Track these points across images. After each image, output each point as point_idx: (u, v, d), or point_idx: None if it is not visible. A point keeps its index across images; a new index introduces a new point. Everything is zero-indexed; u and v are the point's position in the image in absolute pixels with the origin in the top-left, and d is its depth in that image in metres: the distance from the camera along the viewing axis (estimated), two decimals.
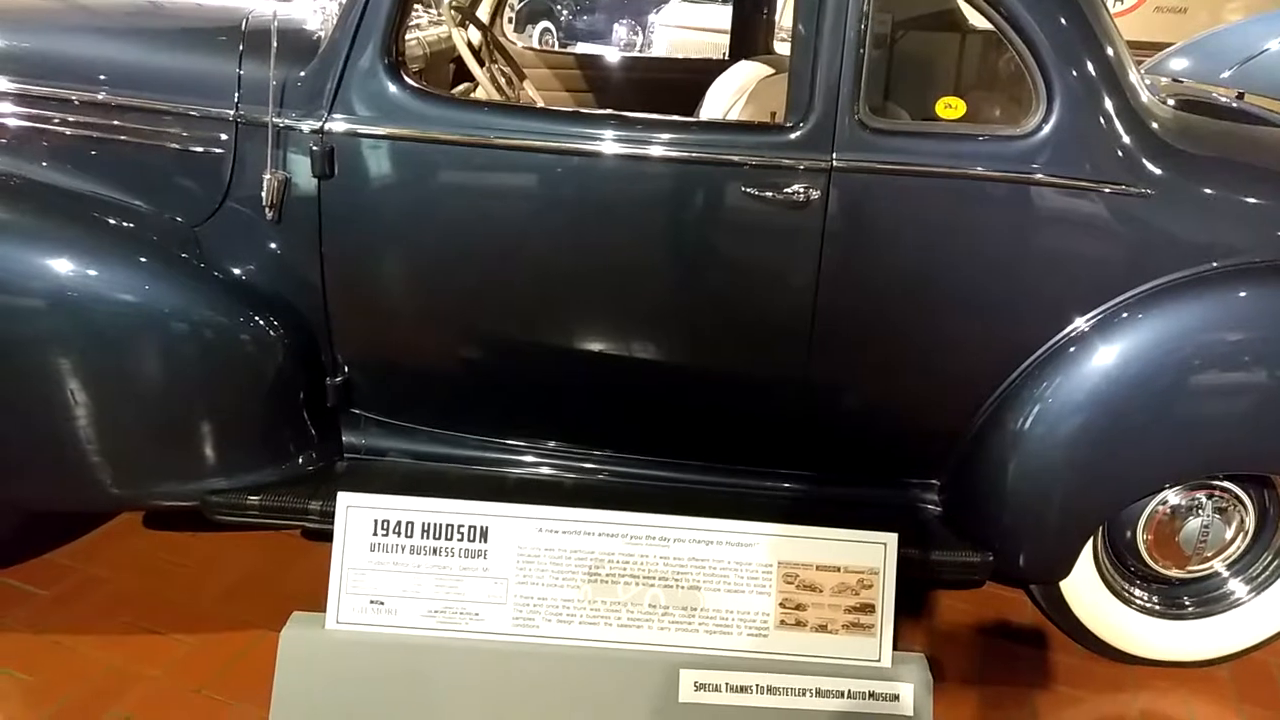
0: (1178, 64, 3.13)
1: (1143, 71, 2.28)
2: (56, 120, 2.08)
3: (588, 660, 1.90)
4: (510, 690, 1.89)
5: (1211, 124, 2.32)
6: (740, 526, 1.95)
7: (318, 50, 2.01)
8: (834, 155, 1.93)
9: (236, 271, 2.08)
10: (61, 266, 1.95)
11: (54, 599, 2.22)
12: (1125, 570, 2.23)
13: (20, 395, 1.96)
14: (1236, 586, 2.24)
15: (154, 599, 2.23)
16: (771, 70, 2.77)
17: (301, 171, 2.00)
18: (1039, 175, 1.93)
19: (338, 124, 1.97)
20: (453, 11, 2.70)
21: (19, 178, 2.06)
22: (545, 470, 2.25)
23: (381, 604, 1.91)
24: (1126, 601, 2.21)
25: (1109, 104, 1.94)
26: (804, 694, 1.89)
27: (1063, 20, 1.92)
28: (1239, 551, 2.22)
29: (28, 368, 1.95)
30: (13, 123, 2.08)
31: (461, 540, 1.93)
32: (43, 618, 2.15)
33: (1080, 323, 2.01)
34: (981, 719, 2.08)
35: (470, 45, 2.72)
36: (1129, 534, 2.16)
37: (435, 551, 1.92)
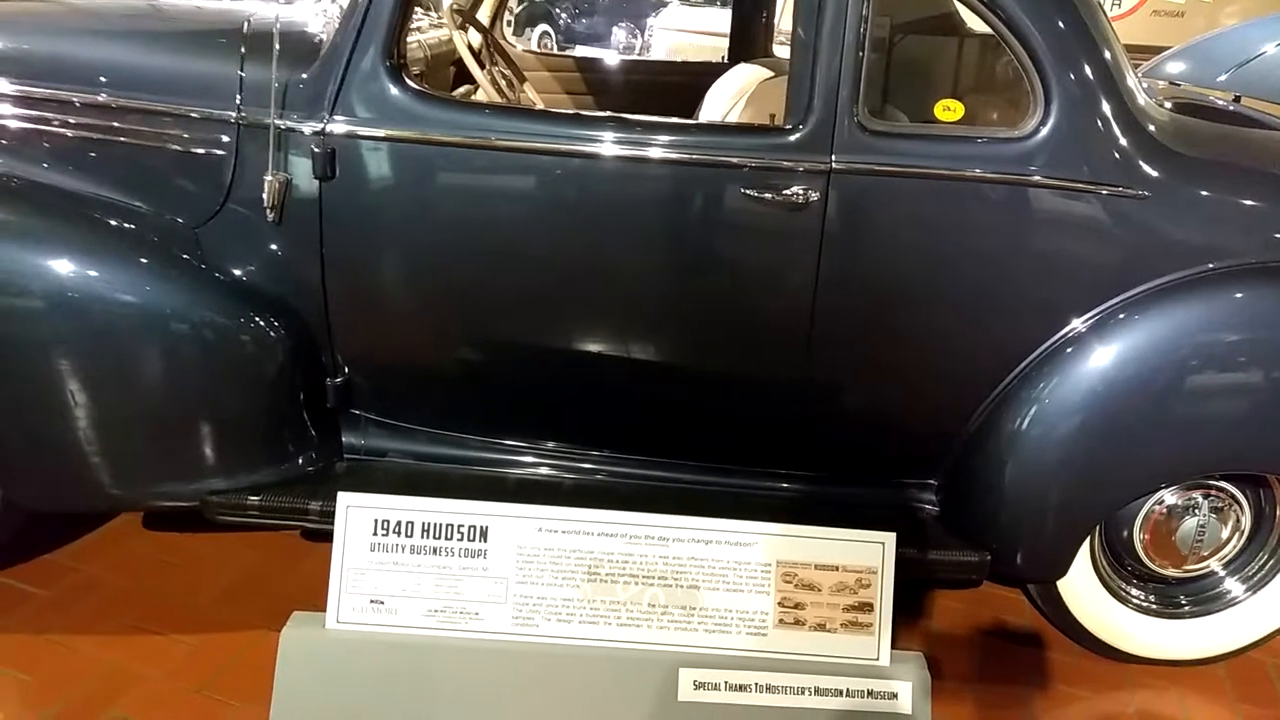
0: (1174, 67, 3.15)
1: (1140, 75, 2.30)
2: (58, 122, 2.08)
3: (587, 659, 1.91)
4: (510, 689, 1.90)
5: (1208, 127, 2.33)
6: (739, 526, 1.96)
7: (319, 53, 2.02)
8: (833, 157, 1.94)
9: (237, 272, 2.09)
10: (62, 267, 1.95)
11: (53, 599, 2.22)
12: (1122, 569, 2.24)
13: (20, 395, 1.97)
14: (1233, 586, 2.25)
15: (153, 599, 2.23)
16: (770, 73, 2.78)
17: (303, 173, 2.01)
18: (1037, 177, 1.94)
19: (339, 126, 1.98)
20: (454, 14, 2.71)
21: (20, 179, 2.06)
22: (544, 470, 2.25)
23: (382, 603, 1.92)
24: (1123, 600, 2.22)
25: (1106, 107, 1.95)
26: (803, 692, 1.90)
27: (1060, 24, 1.93)
28: (1235, 551, 2.23)
29: (28, 368, 1.95)
30: (14, 124, 2.08)
31: (461, 540, 1.93)
32: (42, 618, 2.15)
33: (1077, 324, 2.02)
34: (979, 718, 2.09)
35: (471, 48, 2.73)
36: (1126, 533, 2.17)
37: (435, 551, 1.93)
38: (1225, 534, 2.18)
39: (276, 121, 1.98)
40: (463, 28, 2.77)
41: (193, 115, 2.05)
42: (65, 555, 2.37)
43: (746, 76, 2.87)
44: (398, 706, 1.88)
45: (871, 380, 2.13)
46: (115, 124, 2.07)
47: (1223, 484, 2.16)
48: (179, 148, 2.06)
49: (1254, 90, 2.77)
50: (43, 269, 1.95)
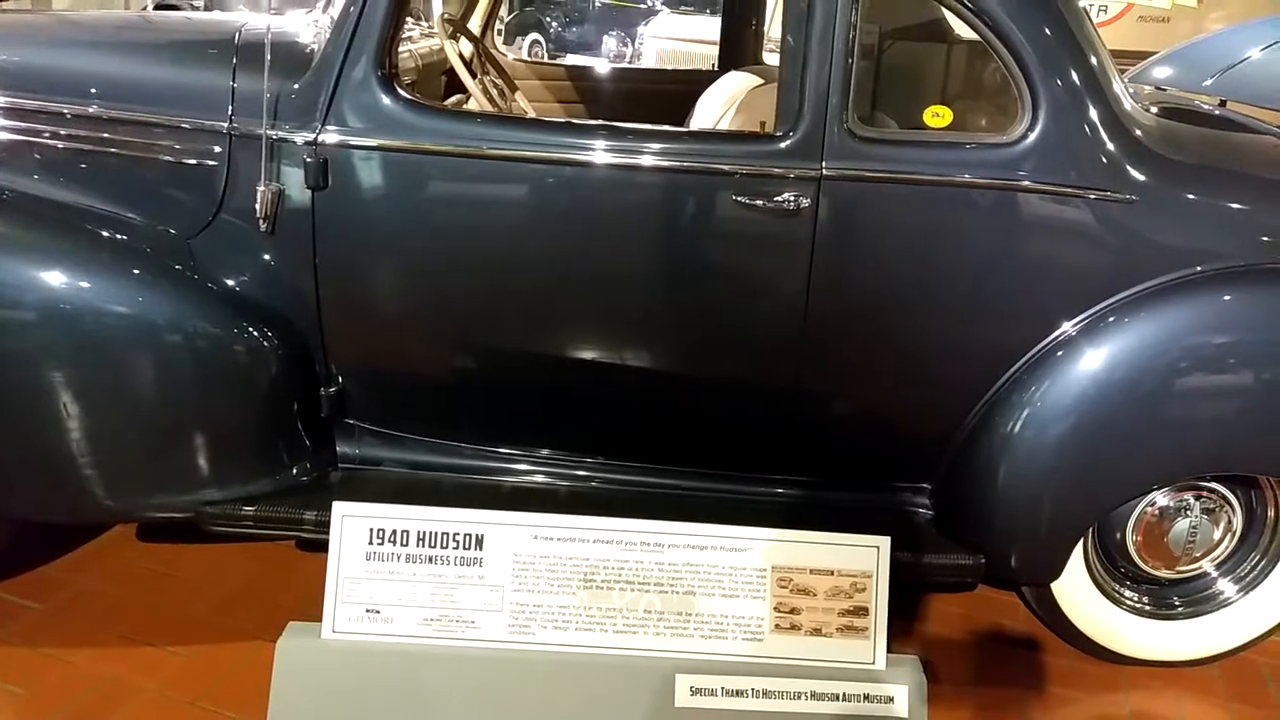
0: (1160, 72, 3.17)
1: (1126, 80, 2.32)
2: (49, 134, 2.08)
3: (584, 666, 1.91)
4: (507, 697, 1.90)
5: (1194, 131, 2.35)
6: (734, 532, 1.96)
7: (311, 63, 2.03)
8: (823, 164, 1.95)
9: (230, 283, 2.09)
10: (54, 279, 1.95)
11: (48, 612, 2.21)
12: (1115, 571, 2.25)
13: (13, 407, 1.96)
14: (1225, 586, 2.26)
15: (148, 611, 2.23)
16: (760, 80, 2.79)
17: (295, 183, 2.01)
18: (1025, 182, 1.96)
19: (331, 136, 1.99)
20: (444, 24, 2.72)
21: (12, 191, 2.06)
22: (539, 478, 2.25)
23: (377, 612, 1.92)
24: (1117, 602, 2.23)
25: (1093, 112, 1.96)
26: (799, 697, 1.90)
27: (1047, 30, 1.95)
28: (1227, 551, 2.24)
29: (20, 379, 1.95)
30: (5, 136, 2.09)
31: (457, 548, 1.93)
32: (36, 631, 2.14)
33: (1067, 327, 2.03)
34: None
35: (462, 57, 2.74)
36: (1118, 535, 2.18)
37: (431, 560, 1.93)
38: (1217, 535, 2.19)
39: (269, 132, 1.98)
40: (454, 37, 2.77)
41: (184, 126, 2.05)
42: (59, 568, 2.36)
43: (737, 84, 2.88)
44: (394, 715, 1.88)
45: (864, 385, 2.14)
46: (107, 135, 2.07)
47: (1214, 485, 2.17)
48: (171, 159, 2.06)
49: (1239, 95, 2.79)
50: (35, 280, 1.94)
